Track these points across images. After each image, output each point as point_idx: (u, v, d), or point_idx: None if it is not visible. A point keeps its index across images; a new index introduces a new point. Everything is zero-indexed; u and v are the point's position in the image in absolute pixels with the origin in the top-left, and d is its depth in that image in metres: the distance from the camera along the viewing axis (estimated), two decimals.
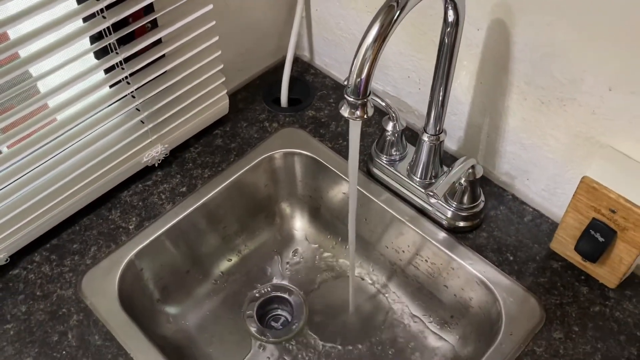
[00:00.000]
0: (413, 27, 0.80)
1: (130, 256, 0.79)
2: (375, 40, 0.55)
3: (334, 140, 0.91)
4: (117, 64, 0.72)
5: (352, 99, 0.56)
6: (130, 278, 0.79)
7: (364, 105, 0.57)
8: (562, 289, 0.74)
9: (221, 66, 0.85)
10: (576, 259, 0.74)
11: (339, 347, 0.85)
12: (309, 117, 0.95)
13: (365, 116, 0.58)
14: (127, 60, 0.74)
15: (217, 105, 0.89)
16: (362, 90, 0.56)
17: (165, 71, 0.79)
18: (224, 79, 0.87)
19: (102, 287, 0.76)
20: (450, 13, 0.62)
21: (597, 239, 0.68)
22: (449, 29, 0.64)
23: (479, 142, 0.84)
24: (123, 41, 0.73)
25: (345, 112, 0.58)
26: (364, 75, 0.55)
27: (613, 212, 0.66)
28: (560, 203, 0.80)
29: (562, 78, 0.68)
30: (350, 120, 0.58)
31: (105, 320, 0.73)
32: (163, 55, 0.79)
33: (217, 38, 0.81)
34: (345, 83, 0.57)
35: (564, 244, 0.74)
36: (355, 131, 0.61)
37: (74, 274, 0.77)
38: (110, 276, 0.77)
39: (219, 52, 0.83)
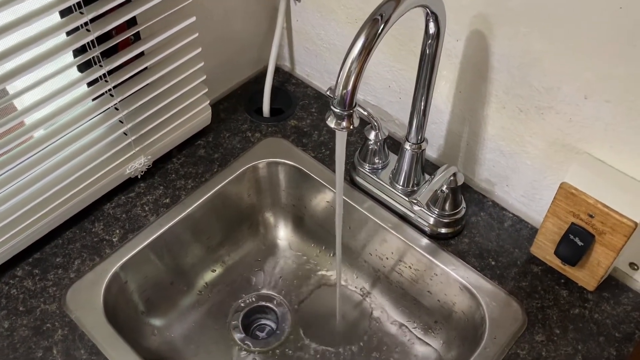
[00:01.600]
0: (393, 39, 0.82)
1: (114, 269, 0.78)
2: (360, 53, 0.56)
3: (316, 150, 0.92)
4: (100, 76, 0.72)
5: (338, 110, 0.57)
6: (115, 291, 0.78)
7: (350, 117, 0.58)
8: (542, 293, 0.76)
9: (204, 77, 0.85)
10: (556, 262, 0.76)
11: (326, 354, 0.85)
12: (292, 126, 0.96)
13: (351, 127, 0.59)
14: (110, 72, 0.74)
15: (200, 116, 0.90)
16: (348, 102, 0.57)
17: (149, 83, 0.80)
18: (206, 90, 0.88)
19: (87, 300, 0.75)
20: (432, 25, 0.64)
21: (576, 243, 0.70)
22: (430, 41, 0.66)
23: (459, 149, 0.86)
24: (107, 54, 0.73)
25: (331, 123, 0.59)
26: (349, 87, 0.57)
27: (591, 216, 0.68)
28: (539, 208, 0.82)
29: (540, 87, 0.71)
30: (337, 130, 0.59)
31: (91, 334, 0.72)
32: (146, 67, 0.79)
33: (199, 49, 0.82)
34: (328, 93, 0.58)
35: (544, 249, 0.76)
36: (341, 141, 0.62)
37: (58, 288, 0.76)
38: (95, 289, 0.76)
39: (202, 64, 0.83)
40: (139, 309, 0.84)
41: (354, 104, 0.58)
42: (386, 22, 0.57)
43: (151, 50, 0.78)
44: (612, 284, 0.77)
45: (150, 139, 0.84)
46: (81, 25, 0.66)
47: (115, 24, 0.68)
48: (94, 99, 0.76)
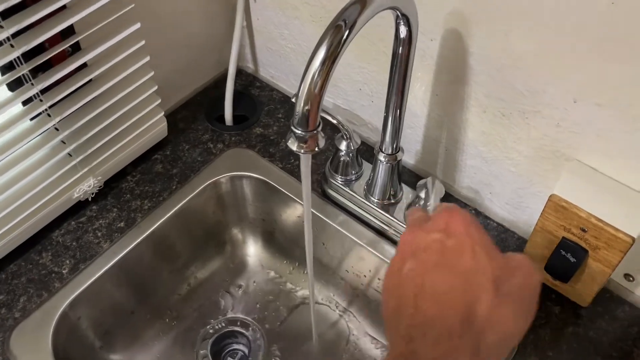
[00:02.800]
0: (362, 38, 0.75)
1: (64, 306, 0.71)
2: (323, 63, 0.49)
3: (284, 160, 0.85)
4: (34, 95, 0.64)
5: (300, 132, 0.50)
6: (66, 329, 0.71)
7: (313, 138, 0.51)
8: None
9: (155, 87, 0.78)
10: (546, 277, 0.70)
11: None
12: (257, 135, 0.88)
13: (316, 149, 0.52)
14: (46, 89, 0.65)
15: (154, 128, 0.82)
16: (312, 121, 0.50)
17: (93, 98, 0.71)
18: (159, 101, 0.80)
19: (33, 343, 0.68)
20: (402, 29, 0.57)
21: (568, 259, 0.64)
22: (401, 46, 0.59)
23: (438, 156, 0.79)
24: (43, 68, 0.65)
25: (293, 145, 0.52)
26: (312, 104, 0.49)
27: (584, 231, 0.62)
28: (525, 217, 0.76)
29: (524, 89, 0.64)
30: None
31: None
32: (90, 81, 0.71)
33: (148, 58, 0.74)
34: (294, 101, 0.51)
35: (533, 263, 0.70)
36: (305, 164, 0.55)
37: (1, 330, 0.69)
38: (42, 330, 0.69)
39: (152, 73, 0.76)
40: (95, 345, 0.77)
41: (317, 123, 0.51)
42: (351, 28, 0.49)
43: (94, 61, 0.70)
44: (606, 296, 0.71)
45: (98, 159, 0.76)
46: (3, 40, 0.57)
47: (43, 37, 0.59)
48: (32, 119, 0.68)
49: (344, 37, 0.49)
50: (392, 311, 0.42)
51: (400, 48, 0.60)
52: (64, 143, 0.71)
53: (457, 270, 0.39)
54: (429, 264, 0.41)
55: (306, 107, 0.50)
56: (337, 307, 0.85)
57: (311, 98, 0.49)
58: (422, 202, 0.71)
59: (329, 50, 0.49)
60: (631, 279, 0.70)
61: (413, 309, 0.39)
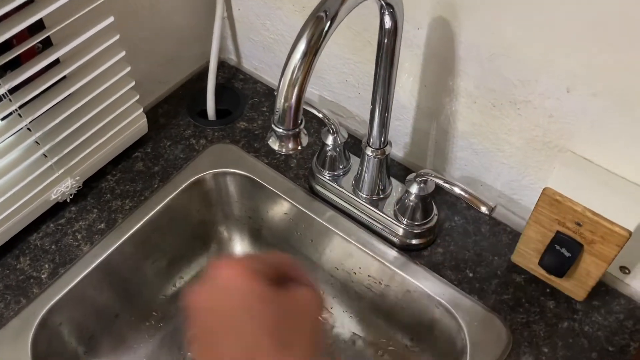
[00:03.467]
0: (347, 28, 0.72)
1: (43, 312, 0.68)
2: (304, 56, 0.46)
3: (270, 155, 0.82)
4: (2, 95, 0.61)
5: (281, 130, 0.48)
6: (46, 337, 0.68)
7: (296, 136, 0.48)
8: (527, 305, 0.69)
9: (132, 83, 0.75)
10: (539, 271, 0.69)
11: None
12: (241, 129, 0.86)
13: (299, 148, 0.49)
14: (16, 88, 0.62)
15: (134, 125, 0.79)
16: (293, 119, 0.48)
17: (67, 96, 0.68)
18: (137, 97, 0.77)
19: (11, 353, 0.65)
20: (387, 19, 0.54)
21: (563, 253, 0.63)
22: (386, 37, 0.56)
23: (427, 148, 0.77)
24: (11, 67, 0.62)
25: (274, 145, 0.49)
26: (293, 100, 0.47)
27: (579, 225, 0.60)
28: (517, 210, 0.74)
29: (515, 79, 0.62)
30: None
31: None
32: (63, 78, 0.68)
33: (124, 53, 0.70)
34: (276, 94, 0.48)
35: (527, 257, 0.69)
36: None
37: None
38: (21, 339, 0.66)
39: (129, 68, 0.72)
40: (79, 351, 0.74)
41: (299, 121, 0.48)
42: (332, 19, 0.47)
43: (66, 58, 0.66)
44: (601, 289, 0.70)
45: (75, 158, 0.73)
46: None
47: (9, 33, 0.56)
48: (2, 119, 0.65)
49: (325, 28, 0.47)
50: None
51: (386, 39, 0.57)
52: (38, 144, 0.68)
53: None
54: None
55: (286, 104, 0.47)
56: (327, 306, 0.83)
57: (292, 94, 0.47)
58: (412, 197, 0.69)
59: (309, 43, 0.46)
60: (627, 271, 0.68)
61: None
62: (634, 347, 0.66)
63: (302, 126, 0.48)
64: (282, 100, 0.47)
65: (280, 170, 0.81)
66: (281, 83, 0.47)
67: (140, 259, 0.79)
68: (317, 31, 0.46)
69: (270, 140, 0.49)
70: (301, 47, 0.46)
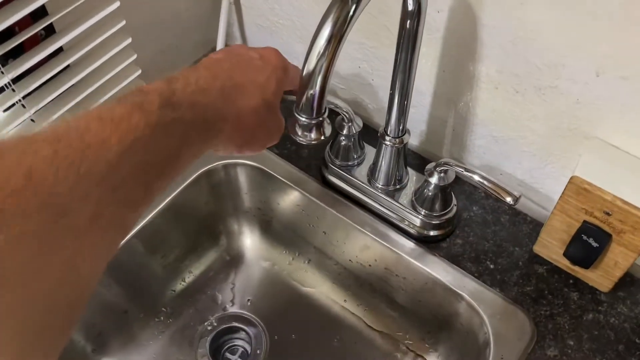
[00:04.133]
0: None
1: None
2: (328, 42, 0.44)
3: (280, 146, 0.80)
4: (5, 85, 0.58)
5: (304, 119, 0.45)
6: None
7: (319, 125, 0.46)
8: (550, 297, 0.67)
9: (139, 71, 0.72)
10: (563, 262, 0.67)
11: None
12: None
13: (322, 137, 0.47)
14: (19, 78, 0.60)
15: None
16: (317, 107, 0.45)
17: (72, 85, 0.66)
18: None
19: None
20: (410, 2, 0.51)
21: (590, 244, 0.60)
22: (409, 19, 0.54)
23: (444, 136, 0.75)
24: (13, 55, 0.59)
25: (295, 134, 0.47)
26: (317, 89, 0.44)
27: (608, 214, 0.58)
28: (538, 199, 0.72)
29: (540, 64, 0.59)
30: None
31: None
32: (67, 67, 0.65)
33: (129, 40, 0.68)
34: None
35: (550, 248, 0.66)
36: None
37: None
38: None
39: (135, 56, 0.70)
40: (87, 349, 0.72)
41: (323, 110, 0.46)
42: (358, 2, 0.44)
43: (70, 45, 0.64)
44: (627, 280, 0.68)
45: None
46: None
47: (11, 20, 0.53)
48: (4, 110, 0.62)
49: (351, 12, 0.44)
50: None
51: (408, 21, 0.55)
52: None
53: (246, 71, 0.44)
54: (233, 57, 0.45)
55: (310, 92, 0.44)
56: (341, 299, 0.81)
57: (316, 82, 0.44)
58: (431, 187, 0.67)
59: (334, 28, 0.44)
60: None
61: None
62: None
63: (325, 115, 0.46)
64: (305, 88, 0.45)
65: (292, 161, 0.78)
66: (305, 70, 0.45)
67: (148, 253, 0.76)
68: (342, 15, 0.44)
69: (292, 129, 0.46)
70: (325, 32, 0.44)
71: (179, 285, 0.82)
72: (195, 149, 0.39)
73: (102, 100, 0.69)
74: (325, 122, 0.46)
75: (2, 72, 0.56)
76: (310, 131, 0.46)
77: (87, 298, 0.33)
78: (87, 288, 0.32)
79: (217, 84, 0.41)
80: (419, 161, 0.78)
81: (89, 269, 0.31)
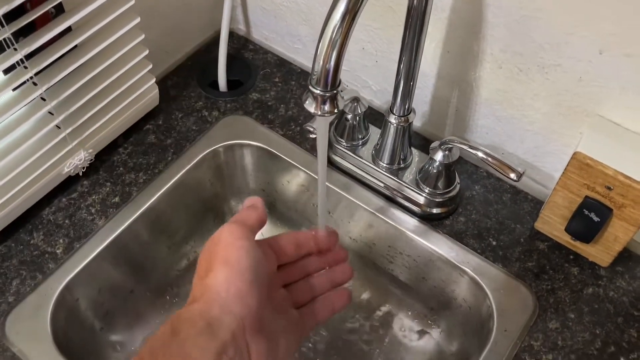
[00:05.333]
0: None
1: (61, 287, 0.67)
2: (343, 17, 0.45)
3: (285, 126, 0.81)
4: (17, 62, 0.59)
5: (319, 91, 0.46)
6: (64, 313, 0.67)
7: (333, 99, 0.47)
8: (552, 272, 0.68)
9: (146, 52, 0.72)
10: (564, 238, 0.68)
11: (311, 346, 0.77)
12: (254, 100, 0.84)
13: (336, 110, 0.48)
14: (30, 56, 0.60)
15: (146, 96, 0.77)
16: (331, 81, 0.46)
17: (81, 65, 0.66)
18: (150, 66, 0.75)
19: (31, 328, 0.64)
20: None
21: (592, 218, 0.62)
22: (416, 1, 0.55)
23: (447, 117, 0.76)
24: (23, 33, 0.59)
25: (311, 107, 0.47)
26: (332, 62, 0.45)
27: (609, 189, 0.59)
28: (539, 177, 0.73)
29: (544, 42, 0.61)
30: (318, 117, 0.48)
31: None
32: (76, 46, 0.66)
33: (138, 19, 0.68)
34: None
35: (551, 224, 0.68)
36: (323, 127, 0.51)
37: None
38: (39, 314, 0.65)
39: (142, 36, 0.70)
40: (96, 326, 0.73)
41: (338, 82, 0.47)
42: None
43: (78, 25, 0.64)
44: (625, 256, 0.70)
45: (88, 130, 0.71)
46: None
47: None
48: (14, 89, 0.62)
49: None
50: None
51: (416, 1, 0.56)
52: (52, 114, 0.66)
53: None
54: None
55: (326, 65, 0.45)
56: None
57: (331, 56, 0.45)
58: (435, 165, 0.68)
59: (349, 3, 0.45)
60: None
61: None
62: None
63: (340, 88, 0.47)
64: (321, 62, 0.46)
65: (296, 142, 0.79)
66: (320, 44, 0.46)
67: (154, 233, 0.77)
68: None
69: (307, 102, 0.47)
70: (341, 7, 0.45)
71: (184, 265, 0.82)
72: None
73: (110, 79, 0.70)
74: (339, 95, 0.47)
75: (16, 49, 0.56)
76: (324, 103, 0.47)
77: None
78: None
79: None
80: (421, 142, 0.79)
81: None
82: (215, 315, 0.40)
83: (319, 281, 0.52)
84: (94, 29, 0.64)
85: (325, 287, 0.52)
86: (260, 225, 0.48)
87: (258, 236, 0.48)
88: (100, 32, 0.66)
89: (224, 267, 0.42)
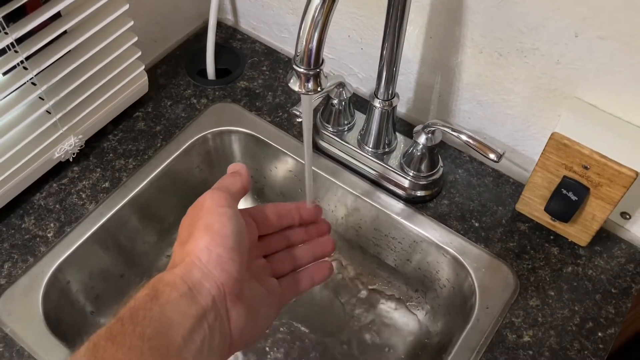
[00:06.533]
0: None
1: (52, 270, 0.68)
2: None
3: (272, 113, 0.82)
4: (8, 46, 0.60)
5: (302, 70, 0.48)
6: (55, 295, 0.68)
7: (316, 77, 0.48)
8: (532, 252, 0.70)
9: (135, 39, 0.74)
10: (544, 219, 0.70)
11: (297, 330, 0.78)
12: (242, 88, 0.85)
13: (319, 89, 0.49)
14: (20, 40, 0.61)
15: (135, 83, 0.78)
16: (314, 59, 0.47)
17: (70, 50, 0.67)
18: (139, 53, 0.76)
19: (23, 309, 0.65)
20: None
21: (570, 197, 0.64)
22: None
23: (430, 102, 0.78)
24: (13, 18, 0.61)
25: (295, 85, 0.49)
26: (315, 41, 0.47)
27: (586, 168, 0.61)
28: (520, 161, 0.75)
29: (522, 26, 0.62)
30: (302, 95, 0.50)
31: (32, 348, 0.62)
32: (65, 32, 0.67)
33: (127, 6, 0.69)
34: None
35: (531, 205, 0.70)
36: (307, 106, 0.52)
37: None
38: (31, 296, 0.66)
39: (132, 23, 0.72)
40: (87, 309, 0.74)
41: (320, 61, 0.48)
42: None
43: (68, 11, 0.65)
44: (603, 236, 0.72)
45: (79, 116, 0.72)
46: None
47: None
48: (4, 73, 0.63)
49: None
50: None
51: None
52: (42, 99, 0.67)
53: None
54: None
55: (309, 44, 0.47)
56: (333, 260, 0.83)
57: (313, 36, 0.47)
58: (419, 147, 0.70)
59: None
60: (628, 216, 0.70)
61: None
62: (635, 289, 0.68)
63: (322, 66, 0.49)
64: (304, 42, 0.47)
65: (284, 128, 0.81)
66: (302, 24, 0.47)
67: (145, 217, 0.78)
68: None
69: (292, 81, 0.49)
70: None
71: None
72: None
73: (100, 65, 0.71)
74: (322, 73, 0.49)
75: (7, 33, 0.58)
76: (308, 81, 0.48)
77: None
78: None
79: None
80: (406, 127, 0.81)
81: None
82: (196, 279, 0.41)
83: (301, 253, 0.53)
84: (84, 14, 0.65)
85: (307, 258, 0.53)
86: (244, 192, 0.49)
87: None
88: (90, 18, 0.67)
89: (205, 233, 0.42)
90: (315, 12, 0.47)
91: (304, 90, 0.49)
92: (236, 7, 0.91)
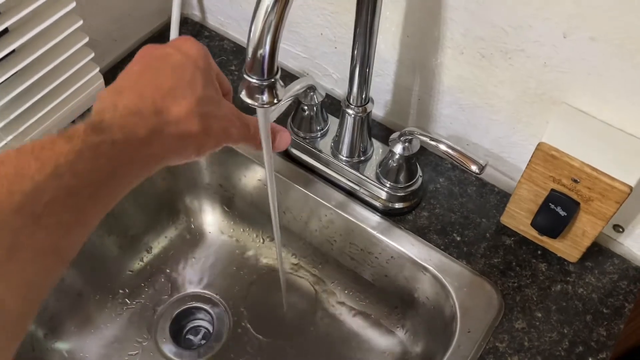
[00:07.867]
0: None
1: None
2: None
3: None
4: None
5: (254, 80, 0.42)
6: None
7: (271, 88, 0.43)
8: (518, 269, 0.65)
9: (86, 39, 0.67)
10: (531, 233, 0.65)
11: (273, 350, 0.73)
12: None
13: (275, 101, 0.43)
14: None
15: (89, 87, 0.72)
16: (267, 67, 0.42)
17: (12, 51, 0.61)
18: (92, 55, 0.70)
19: None
20: None
21: (558, 212, 0.59)
22: None
23: (410, 106, 0.72)
24: None
25: (246, 97, 0.43)
26: (267, 47, 0.41)
27: (576, 182, 0.56)
28: (506, 169, 0.70)
29: (506, 26, 0.57)
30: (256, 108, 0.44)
31: None
32: (6, 30, 0.61)
33: (74, 4, 0.63)
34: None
35: (517, 218, 0.65)
36: (263, 119, 0.46)
37: None
38: None
39: (81, 22, 0.65)
40: (39, 334, 0.69)
41: (275, 69, 0.42)
42: None
43: (7, 8, 0.59)
44: (594, 250, 0.66)
45: (24, 125, 0.66)
46: None
47: None
48: None
49: None
50: None
51: None
52: None
53: (170, 74, 0.41)
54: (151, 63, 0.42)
55: (260, 51, 0.41)
56: (308, 276, 0.78)
57: (265, 39, 0.41)
58: (395, 157, 0.64)
59: None
60: (621, 229, 0.65)
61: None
62: (628, 309, 0.63)
63: (278, 76, 0.43)
64: (254, 48, 0.41)
65: None
66: (252, 27, 0.41)
67: (103, 232, 0.73)
68: None
69: (243, 92, 0.43)
70: None
71: (137, 265, 0.78)
72: (136, 168, 0.38)
73: (47, 69, 0.65)
74: (278, 83, 0.43)
75: None
76: (262, 93, 0.43)
77: (20, 334, 0.32)
78: (17, 323, 0.31)
79: (147, 101, 0.38)
80: (384, 132, 0.76)
81: (15, 301, 0.30)
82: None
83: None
84: (25, 12, 0.59)
85: None
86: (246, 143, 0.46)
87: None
88: (33, 17, 0.61)
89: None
90: (266, 12, 0.41)
91: (257, 104, 0.43)
92: (203, 3, 0.85)
